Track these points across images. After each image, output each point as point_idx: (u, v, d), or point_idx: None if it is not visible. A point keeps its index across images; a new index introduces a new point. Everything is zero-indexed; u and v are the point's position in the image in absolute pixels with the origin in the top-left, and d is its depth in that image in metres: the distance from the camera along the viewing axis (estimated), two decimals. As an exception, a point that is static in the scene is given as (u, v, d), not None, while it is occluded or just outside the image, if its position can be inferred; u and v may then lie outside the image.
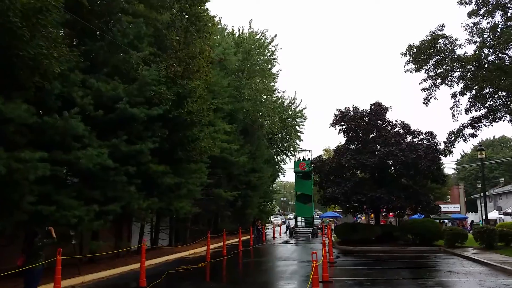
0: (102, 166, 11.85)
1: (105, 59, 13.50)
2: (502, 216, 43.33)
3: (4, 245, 11.42)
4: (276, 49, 35.39)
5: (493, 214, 46.29)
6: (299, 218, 37.23)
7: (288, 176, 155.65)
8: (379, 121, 25.65)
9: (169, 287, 11.43)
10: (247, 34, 33.59)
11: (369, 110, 26.05)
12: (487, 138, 78.34)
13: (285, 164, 45.28)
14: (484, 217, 24.08)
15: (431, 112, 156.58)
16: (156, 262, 16.57)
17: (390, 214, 39.23)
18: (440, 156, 24.12)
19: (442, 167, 24.47)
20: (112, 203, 12.97)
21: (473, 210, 67.03)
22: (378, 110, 25.75)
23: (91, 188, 12.66)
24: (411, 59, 19.82)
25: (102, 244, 13.79)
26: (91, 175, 12.63)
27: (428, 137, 25.12)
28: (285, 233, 38.68)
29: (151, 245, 20.35)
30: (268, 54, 35.01)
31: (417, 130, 25.58)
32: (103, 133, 12.83)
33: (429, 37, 19.05)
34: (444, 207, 44.84)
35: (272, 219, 55.99)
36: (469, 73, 19.20)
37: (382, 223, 30.80)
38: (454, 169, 77.80)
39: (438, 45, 18.88)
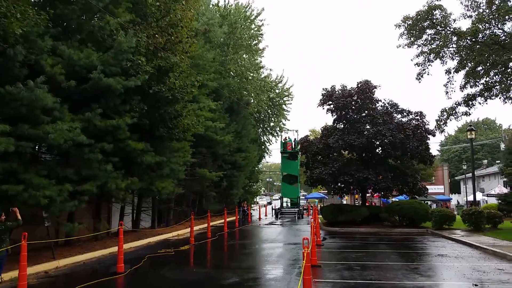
0: (75, 142, 10.87)
1: (78, 25, 12.37)
2: (485, 197, 43.78)
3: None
4: (263, 24, 34.13)
5: (476, 196, 46.76)
6: (284, 199, 36.85)
7: (274, 157, 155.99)
8: (367, 100, 25.05)
9: (150, 272, 10.70)
10: (233, 6, 32.27)
11: (356, 89, 25.41)
12: (471, 120, 78.99)
13: (271, 144, 44.67)
14: (472, 198, 23.90)
15: (424, 91, 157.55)
16: (137, 245, 15.86)
17: (376, 195, 39.21)
18: (429, 136, 23.82)
19: (430, 147, 24.13)
20: (87, 182, 12.06)
21: (457, 191, 68.05)
22: (366, 88, 25.10)
23: (64, 166, 11.73)
24: (405, 31, 19.12)
25: (78, 226, 12.87)
26: (63, 152, 11.70)
27: (417, 117, 24.74)
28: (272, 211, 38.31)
29: (132, 227, 19.61)
30: (255, 29, 33.75)
31: (406, 109, 25.26)
32: (76, 106, 11.81)
33: (425, 7, 18.32)
34: (429, 189, 45.13)
35: (257, 200, 55.69)
36: (464, 48, 18.57)
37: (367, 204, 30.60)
38: (438, 150, 78.55)
39: (434, 17, 18.18)
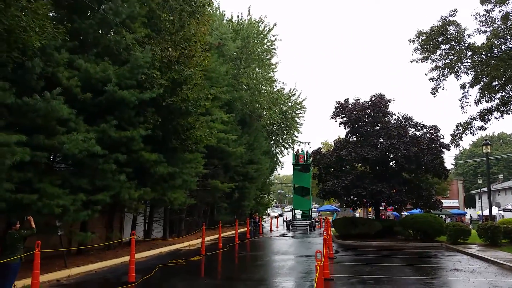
0: (89, 153, 11.04)
1: (95, 39, 12.62)
2: (502, 212, 42.86)
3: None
4: (276, 39, 34.42)
5: (492, 210, 45.84)
6: (296, 211, 36.63)
7: (286, 169, 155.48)
8: (381, 114, 24.93)
9: (160, 282, 10.71)
10: (246, 21, 32.63)
11: (370, 102, 25.35)
12: (486, 135, 77.86)
13: (283, 156, 44.60)
14: (488, 212, 23.42)
15: (438, 104, 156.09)
16: (148, 255, 15.90)
17: (389, 208, 38.69)
18: (444, 150, 23.54)
19: (444, 161, 23.81)
20: (101, 192, 12.19)
21: (471, 205, 66.78)
22: (380, 102, 25.02)
23: (78, 176, 11.88)
24: (419, 46, 19.02)
25: (90, 235, 12.99)
26: (78, 162, 11.87)
27: (431, 131, 24.49)
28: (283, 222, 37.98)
29: (144, 236, 19.68)
30: (268, 44, 34.04)
31: (421, 123, 25.00)
32: (91, 117, 12.03)
33: (439, 23, 18.23)
34: (443, 203, 44.40)
35: (269, 212, 55.42)
36: (479, 63, 18.38)
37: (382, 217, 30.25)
38: (452, 164, 77.57)
39: (449, 32, 18.08)
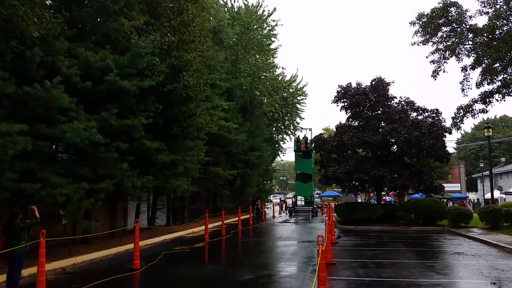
0: (91, 142, 11.05)
1: (93, 27, 12.55)
2: (503, 195, 42.98)
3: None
4: (276, 24, 34.07)
5: (494, 194, 45.99)
6: (298, 197, 36.81)
7: (288, 155, 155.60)
8: (382, 98, 24.84)
9: (165, 268, 10.83)
10: (243, 7, 32.30)
11: (370, 86, 25.23)
12: (488, 118, 77.63)
13: (285, 143, 44.60)
14: (489, 196, 23.49)
15: (439, 88, 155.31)
16: (152, 242, 16.05)
17: (391, 193, 38.80)
18: (445, 133, 23.49)
19: (446, 145, 23.78)
20: (104, 181, 12.24)
21: (473, 189, 66.94)
22: (379, 85, 24.88)
23: (81, 165, 11.92)
24: (420, 29, 18.83)
25: (94, 223, 13.11)
26: (80, 151, 11.91)
27: (433, 115, 24.41)
28: (284, 211, 38.27)
29: (148, 224, 19.83)
30: (268, 29, 33.73)
31: (422, 107, 24.90)
32: (92, 106, 11.99)
33: (440, 5, 17.99)
34: (445, 187, 44.54)
35: (271, 198, 55.65)
36: (481, 45, 18.20)
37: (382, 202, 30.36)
38: (454, 148, 77.40)
39: (450, 14, 17.87)
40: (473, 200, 49.85)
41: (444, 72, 20.20)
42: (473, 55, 18.87)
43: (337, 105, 25.93)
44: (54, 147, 12.64)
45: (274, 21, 34.15)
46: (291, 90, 39.63)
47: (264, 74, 33.71)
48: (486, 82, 18.77)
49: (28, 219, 8.28)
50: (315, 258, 11.69)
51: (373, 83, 25.22)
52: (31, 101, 9.66)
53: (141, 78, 12.88)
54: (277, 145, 42.91)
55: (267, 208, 42.09)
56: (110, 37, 12.83)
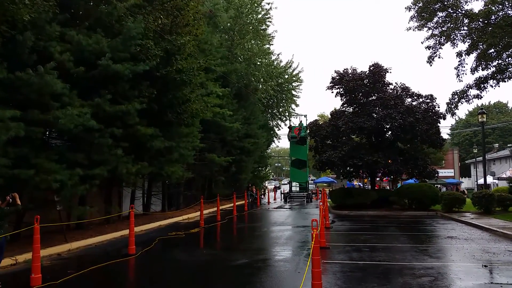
0: (84, 127, 10.96)
1: (86, 11, 12.35)
2: (496, 181, 43.42)
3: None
4: (270, 8, 33.76)
5: (487, 179, 46.47)
6: (293, 183, 36.98)
7: (283, 142, 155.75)
8: (378, 84, 24.83)
9: (160, 253, 10.89)
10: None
11: (367, 72, 25.20)
12: (482, 104, 77.93)
13: (280, 129, 44.59)
14: (483, 181, 23.72)
15: (434, 74, 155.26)
16: (148, 228, 16.10)
17: (385, 179, 39.09)
18: (439, 119, 23.59)
19: (440, 130, 23.90)
20: (98, 167, 12.19)
21: (467, 175, 67.55)
22: (377, 71, 24.87)
23: (75, 151, 11.86)
24: (416, 14, 18.76)
25: (89, 209, 13.08)
26: (74, 137, 11.83)
27: (427, 100, 24.48)
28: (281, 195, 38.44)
29: (143, 210, 19.87)
30: (263, 13, 33.38)
31: (417, 92, 24.94)
32: (85, 91, 11.86)
33: (436, -11, 17.96)
34: (439, 172, 44.91)
35: (266, 184, 55.87)
36: (476, 31, 18.18)
37: (376, 187, 30.57)
38: (448, 134, 77.85)
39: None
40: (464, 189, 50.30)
41: (439, 58, 20.26)
42: (468, 40, 18.89)
43: (332, 92, 25.94)
44: (47, 133, 12.54)
45: (269, 3, 33.87)
46: (286, 76, 39.46)
47: (259, 60, 33.46)
48: (481, 68, 18.81)
49: (8, 206, 8.04)
50: (309, 242, 11.78)
51: (371, 68, 25.18)
52: (24, 86, 9.55)
53: (134, 62, 12.74)
54: (272, 132, 42.92)
55: (262, 194, 42.28)
56: (103, 21, 12.61)
